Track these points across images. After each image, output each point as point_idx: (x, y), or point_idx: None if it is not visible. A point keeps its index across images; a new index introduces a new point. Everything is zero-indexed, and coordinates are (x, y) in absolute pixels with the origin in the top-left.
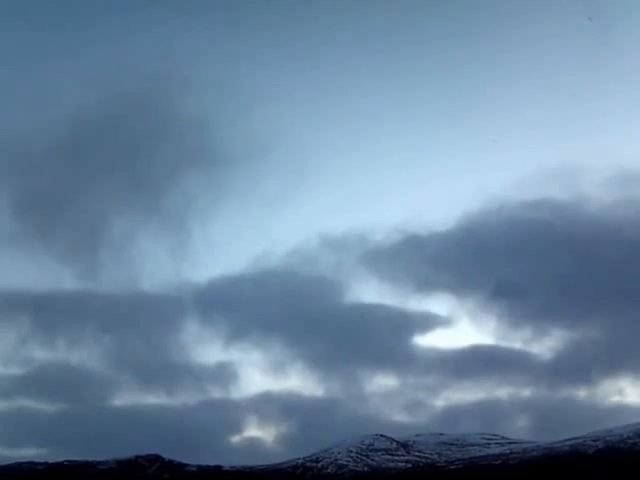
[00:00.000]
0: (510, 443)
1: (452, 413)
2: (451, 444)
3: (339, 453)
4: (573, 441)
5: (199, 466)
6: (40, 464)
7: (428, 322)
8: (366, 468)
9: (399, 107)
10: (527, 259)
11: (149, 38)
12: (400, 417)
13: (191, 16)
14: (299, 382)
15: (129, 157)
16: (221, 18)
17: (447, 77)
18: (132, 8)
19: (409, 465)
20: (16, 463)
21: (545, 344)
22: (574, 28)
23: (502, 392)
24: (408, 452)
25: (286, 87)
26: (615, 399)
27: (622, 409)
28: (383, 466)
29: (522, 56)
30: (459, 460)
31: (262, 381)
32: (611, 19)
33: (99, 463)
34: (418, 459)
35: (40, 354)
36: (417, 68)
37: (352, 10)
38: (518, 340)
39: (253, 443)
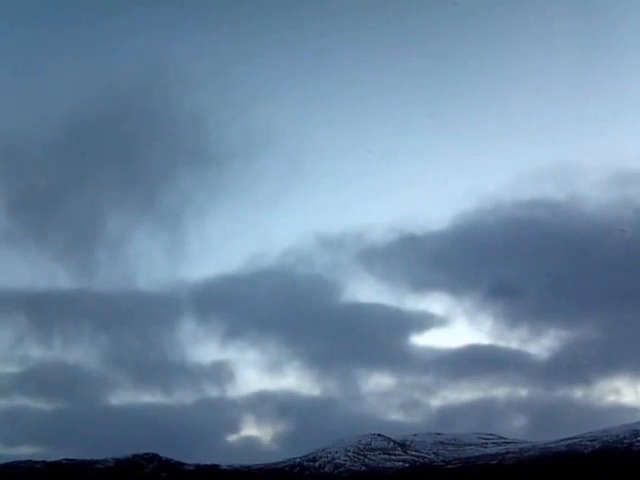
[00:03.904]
0: (507, 443)
1: (449, 413)
2: (448, 444)
3: (336, 452)
4: (569, 441)
5: (197, 465)
6: (38, 463)
7: (425, 321)
8: (363, 467)
9: (395, 108)
10: (523, 259)
11: (146, 37)
12: (397, 417)
13: (189, 15)
14: (296, 381)
15: (125, 156)
16: (219, 18)
17: (443, 78)
18: (130, 7)
19: (406, 464)
20: (15, 462)
21: (541, 344)
22: (570, 29)
23: (499, 392)
24: (405, 452)
25: (283, 87)
26: (611, 399)
27: (618, 409)
28: (380, 465)
29: (518, 57)
30: (456, 460)
31: (259, 380)
32: (608, 20)
33: (97, 462)
34: (415, 459)
35: (37, 353)
36: (413, 69)
37: (349, 12)
38: (515, 340)
39: (250, 442)
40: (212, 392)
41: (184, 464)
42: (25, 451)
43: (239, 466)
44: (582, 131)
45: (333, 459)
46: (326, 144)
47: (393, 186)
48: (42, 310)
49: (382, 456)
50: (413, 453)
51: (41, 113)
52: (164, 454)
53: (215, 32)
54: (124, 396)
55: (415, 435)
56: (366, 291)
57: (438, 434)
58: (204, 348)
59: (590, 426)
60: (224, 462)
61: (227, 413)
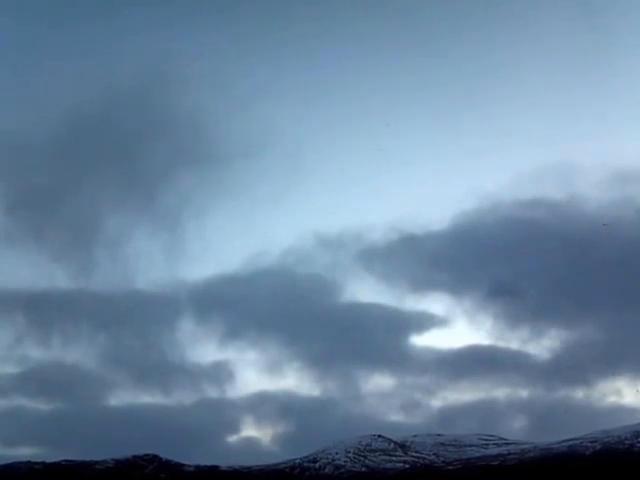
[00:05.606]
0: (508, 444)
1: (449, 413)
2: (449, 445)
3: (337, 453)
4: (570, 442)
5: (196, 466)
6: (37, 464)
7: (425, 321)
8: (364, 468)
9: (395, 107)
10: (523, 259)
11: (146, 37)
12: (397, 417)
13: (188, 15)
14: (296, 382)
15: (124, 155)
16: (219, 18)
17: (443, 78)
18: (130, 7)
19: (407, 466)
20: (14, 462)
21: (542, 344)
22: (570, 28)
23: (499, 392)
24: (406, 453)
25: (282, 86)
26: (612, 400)
27: (619, 410)
28: (381, 467)
29: (517, 56)
30: (457, 461)
31: (258, 381)
32: (607, 20)
33: (97, 463)
34: (416, 460)
35: (36, 353)
36: (413, 69)
37: (349, 11)
38: (515, 340)
39: (250, 443)
40: (212, 392)
41: (184, 465)
42: (24, 452)
43: (239, 467)
44: (582, 131)
45: (333, 460)
46: (326, 144)
47: (393, 186)
48: (41, 310)
49: (382, 457)
50: (413, 454)
51: (41, 113)
52: (164, 455)
53: (215, 32)
54: (123, 396)
55: (415, 436)
56: (366, 291)
57: (439, 435)
58: (204, 348)
59: (591, 427)
60: (224, 463)
61: (227, 414)
